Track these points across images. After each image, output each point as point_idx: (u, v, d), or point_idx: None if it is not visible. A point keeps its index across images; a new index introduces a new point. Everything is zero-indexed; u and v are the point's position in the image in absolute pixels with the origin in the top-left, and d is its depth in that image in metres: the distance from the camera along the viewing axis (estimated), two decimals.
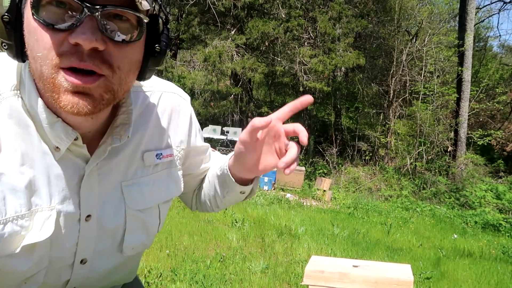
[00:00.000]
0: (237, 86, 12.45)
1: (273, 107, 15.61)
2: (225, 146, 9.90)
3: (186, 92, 0.87)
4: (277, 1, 11.83)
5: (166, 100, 0.81)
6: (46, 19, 0.53)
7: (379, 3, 14.25)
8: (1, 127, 0.62)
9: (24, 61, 0.60)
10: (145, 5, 0.55)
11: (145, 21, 0.58)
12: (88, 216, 0.71)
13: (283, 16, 11.69)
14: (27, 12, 0.55)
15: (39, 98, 0.61)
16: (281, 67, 11.98)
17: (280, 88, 16.71)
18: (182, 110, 0.84)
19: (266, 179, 9.58)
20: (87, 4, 0.52)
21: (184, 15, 12.37)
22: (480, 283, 4.23)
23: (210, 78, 12.97)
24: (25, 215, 0.64)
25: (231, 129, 9.34)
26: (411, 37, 14.17)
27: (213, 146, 10.92)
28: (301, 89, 12.64)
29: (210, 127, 9.34)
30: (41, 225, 0.65)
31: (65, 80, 0.55)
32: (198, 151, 0.92)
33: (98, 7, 0.53)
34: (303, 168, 10.47)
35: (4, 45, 0.58)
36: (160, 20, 0.64)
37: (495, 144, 16.13)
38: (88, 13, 0.53)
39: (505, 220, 9.15)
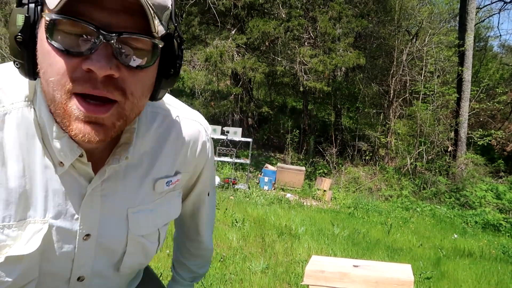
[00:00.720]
0: (237, 86, 12.45)
1: (273, 107, 15.61)
2: (225, 146, 9.90)
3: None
4: (278, 1, 11.82)
5: (186, 127, 0.79)
6: (60, 43, 0.52)
7: (379, 3, 14.24)
8: (8, 137, 0.62)
9: (35, 79, 0.59)
10: (160, 30, 0.55)
11: (160, 46, 0.57)
12: (87, 235, 0.70)
13: (284, 16, 11.69)
14: (41, 33, 0.54)
15: (49, 113, 0.60)
16: (281, 67, 11.98)
17: (280, 88, 16.71)
18: (201, 141, 0.82)
19: (266, 179, 9.58)
20: (102, 32, 0.52)
21: (184, 15, 12.36)
22: (480, 283, 4.23)
23: (211, 78, 12.97)
24: (13, 225, 0.63)
25: (231, 129, 9.33)
26: (411, 37, 14.16)
27: (213, 146, 10.89)
28: (301, 89, 12.62)
29: (210, 127, 9.31)
30: (30, 237, 0.64)
31: (76, 108, 0.54)
32: (199, 191, 0.92)
33: (113, 34, 0.52)
34: (303, 168, 10.47)
35: (17, 64, 0.58)
36: (175, 42, 0.63)
37: (495, 144, 16.12)
38: (104, 40, 0.52)
39: (505, 220, 9.14)
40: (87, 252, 0.71)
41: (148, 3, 0.52)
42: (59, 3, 0.50)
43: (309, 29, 12.05)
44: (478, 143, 13.10)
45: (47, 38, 0.53)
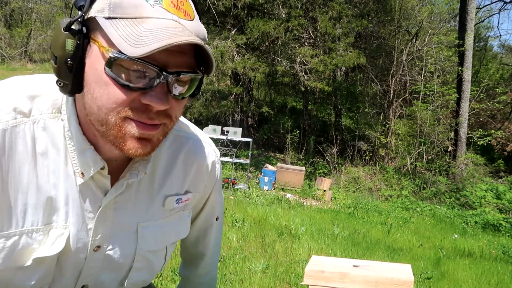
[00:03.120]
0: (237, 86, 12.45)
1: (274, 107, 15.61)
2: (225, 146, 9.89)
3: None
4: (277, 1, 11.82)
5: (196, 147, 0.83)
6: (121, 77, 0.57)
7: (379, 3, 14.23)
8: (37, 144, 0.65)
9: (73, 96, 0.65)
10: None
11: (199, 78, 0.64)
12: (97, 247, 0.72)
13: (283, 16, 11.68)
14: (94, 61, 0.58)
15: (77, 125, 0.64)
16: (281, 67, 11.97)
17: (280, 88, 16.71)
18: (210, 161, 0.86)
19: (266, 179, 9.58)
20: (164, 73, 0.57)
21: None
22: (480, 283, 4.23)
23: (211, 78, 12.97)
24: (40, 229, 0.66)
25: (231, 129, 9.32)
26: (411, 37, 14.16)
27: (217, 150, 10.89)
28: (302, 88, 12.62)
29: (210, 127, 9.32)
30: (54, 240, 0.68)
31: (133, 128, 0.60)
32: (208, 214, 0.94)
33: (173, 74, 0.58)
34: (303, 168, 10.47)
35: (60, 83, 0.61)
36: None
37: (495, 144, 16.12)
38: (164, 80, 0.58)
39: (505, 220, 9.14)
40: (95, 263, 0.74)
41: (206, 47, 0.58)
42: (141, 54, 0.53)
43: (309, 29, 12.05)
44: (478, 143, 13.10)
45: (105, 69, 0.56)
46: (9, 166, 0.63)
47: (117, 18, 0.55)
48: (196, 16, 0.63)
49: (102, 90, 0.58)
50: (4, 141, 0.62)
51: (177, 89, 0.61)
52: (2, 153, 0.62)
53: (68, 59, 0.58)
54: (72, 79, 0.59)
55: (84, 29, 0.58)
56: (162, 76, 0.57)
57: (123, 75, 0.57)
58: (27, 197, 0.64)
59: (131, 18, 0.55)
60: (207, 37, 0.66)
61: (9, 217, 0.64)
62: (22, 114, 0.64)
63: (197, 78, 0.63)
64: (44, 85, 0.68)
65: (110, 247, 0.74)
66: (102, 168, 0.67)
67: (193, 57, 0.61)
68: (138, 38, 0.54)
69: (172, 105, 0.62)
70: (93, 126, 0.62)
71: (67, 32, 0.58)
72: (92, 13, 0.58)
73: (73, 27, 0.58)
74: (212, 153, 0.86)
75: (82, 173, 0.67)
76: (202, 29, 0.63)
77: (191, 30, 0.58)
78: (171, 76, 0.58)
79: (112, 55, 0.55)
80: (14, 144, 0.63)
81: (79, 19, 0.58)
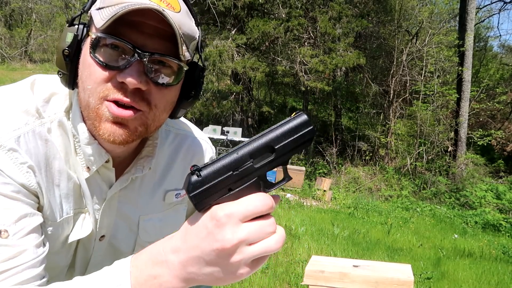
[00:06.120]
0: (237, 85, 12.45)
1: (274, 107, 15.61)
2: (225, 146, 9.89)
3: None
4: (278, 1, 11.83)
5: (195, 145, 0.88)
6: (101, 57, 0.62)
7: (380, 3, 14.24)
8: (58, 142, 0.70)
9: (73, 89, 0.69)
10: (186, 55, 0.64)
11: (185, 69, 0.66)
12: (102, 236, 0.77)
13: (283, 16, 11.69)
14: (85, 48, 0.64)
15: (82, 122, 0.69)
16: (281, 67, 11.98)
17: (280, 88, 16.71)
18: (208, 157, 0.91)
19: None
20: (138, 50, 0.61)
21: None
22: (480, 283, 4.23)
23: (210, 78, 12.98)
24: (71, 217, 0.73)
25: (231, 129, 9.32)
26: (411, 37, 14.16)
27: (213, 146, 10.88)
28: (302, 88, 12.63)
29: (210, 127, 9.32)
30: (81, 224, 0.74)
31: (107, 110, 0.63)
32: None
33: (147, 53, 0.61)
34: (303, 168, 10.47)
35: (60, 74, 0.68)
36: (198, 69, 0.72)
37: (495, 144, 16.11)
38: (138, 58, 0.61)
39: (505, 220, 9.14)
40: (100, 252, 0.79)
41: (179, 31, 0.61)
42: (105, 23, 0.59)
43: (309, 29, 12.05)
44: (478, 143, 13.10)
45: (90, 52, 0.62)
46: (46, 166, 0.68)
47: (104, 7, 0.61)
48: (184, 10, 0.65)
49: (87, 72, 0.63)
50: (33, 141, 0.66)
51: (157, 75, 0.63)
52: (36, 152, 0.66)
53: (66, 48, 0.65)
54: (69, 67, 0.65)
55: (82, 26, 0.66)
56: (135, 55, 0.60)
57: (103, 56, 0.62)
58: (59, 190, 0.70)
59: (114, 5, 0.60)
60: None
61: (55, 208, 0.70)
62: (40, 115, 0.69)
63: (182, 69, 0.65)
64: (55, 87, 0.73)
65: (113, 236, 0.79)
66: (107, 162, 0.71)
67: (175, 45, 0.62)
68: (109, 14, 0.59)
69: (151, 91, 0.63)
70: (85, 115, 0.66)
71: (70, 27, 0.66)
72: (92, 10, 0.65)
73: (74, 22, 0.66)
74: (209, 149, 0.91)
75: (88, 167, 0.71)
76: (187, 22, 0.64)
77: (172, 18, 0.59)
78: (145, 55, 0.60)
79: (92, 36, 0.62)
80: (40, 144, 0.67)
81: (78, 16, 0.66)
